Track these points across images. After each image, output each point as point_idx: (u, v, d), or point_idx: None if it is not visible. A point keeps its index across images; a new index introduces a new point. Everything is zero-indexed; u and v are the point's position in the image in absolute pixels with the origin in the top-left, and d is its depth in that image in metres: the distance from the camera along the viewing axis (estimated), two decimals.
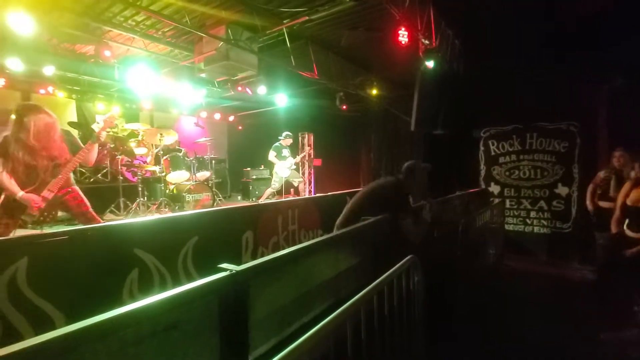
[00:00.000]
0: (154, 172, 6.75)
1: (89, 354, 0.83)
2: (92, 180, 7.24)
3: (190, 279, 2.29)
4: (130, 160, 7.22)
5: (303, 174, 9.63)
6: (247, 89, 7.90)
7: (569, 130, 5.35)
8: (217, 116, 11.02)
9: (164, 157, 6.62)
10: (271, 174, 7.92)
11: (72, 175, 2.92)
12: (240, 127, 12.17)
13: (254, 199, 8.83)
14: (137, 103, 9.31)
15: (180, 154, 6.81)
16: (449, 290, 2.78)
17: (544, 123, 5.53)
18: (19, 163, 2.56)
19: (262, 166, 9.46)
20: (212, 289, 1.11)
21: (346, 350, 1.26)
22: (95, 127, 7.98)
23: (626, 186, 3.20)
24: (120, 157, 6.71)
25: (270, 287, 1.40)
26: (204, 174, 7.15)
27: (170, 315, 1.00)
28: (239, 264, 1.24)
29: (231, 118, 11.78)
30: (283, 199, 5.95)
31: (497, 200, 5.53)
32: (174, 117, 10.75)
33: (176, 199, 6.30)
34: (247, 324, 1.20)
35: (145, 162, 7.28)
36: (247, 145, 11.27)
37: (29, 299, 1.60)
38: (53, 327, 1.67)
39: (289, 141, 7.54)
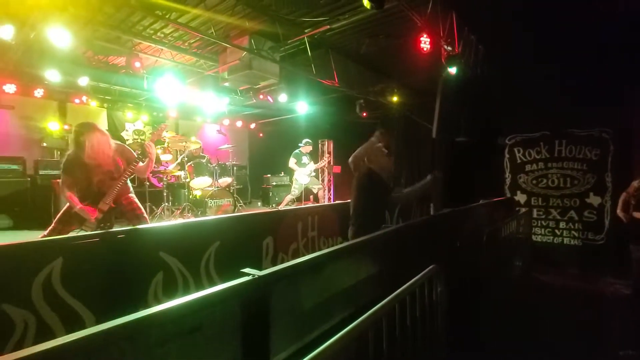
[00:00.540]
0: (178, 177, 6.95)
1: (117, 353, 0.86)
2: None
3: (212, 283, 2.33)
4: (156, 166, 7.48)
5: (322, 181, 9.65)
6: (269, 97, 8.05)
7: (601, 137, 5.10)
8: (239, 124, 11.26)
9: (188, 164, 6.81)
10: (291, 181, 7.98)
11: (129, 183, 3.04)
12: (261, 135, 12.38)
13: (273, 205, 8.91)
14: (164, 111, 9.68)
15: (204, 161, 6.98)
16: (473, 301, 2.69)
17: (574, 129, 5.31)
18: (77, 179, 2.74)
19: (282, 173, 9.55)
20: (235, 293, 1.13)
21: (368, 359, 1.24)
22: (125, 135, 8.28)
23: None
24: None
25: (291, 293, 1.40)
26: (225, 180, 7.29)
27: (195, 317, 1.03)
28: (259, 269, 1.25)
29: (252, 125, 12.00)
30: (302, 206, 5.98)
31: (523, 210, 5.33)
32: (198, 124, 11.08)
33: (199, 204, 6.44)
34: (268, 329, 1.21)
35: (169, 168, 7.51)
36: (267, 152, 11.44)
37: (62, 298, 1.68)
38: (83, 326, 1.74)
39: (309, 148, 7.59)
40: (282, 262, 1.78)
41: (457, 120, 5.73)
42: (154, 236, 2.12)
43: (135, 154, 3.08)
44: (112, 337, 0.84)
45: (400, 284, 1.57)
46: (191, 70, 7.13)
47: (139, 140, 7.67)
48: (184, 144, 7.01)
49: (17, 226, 6.21)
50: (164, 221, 5.97)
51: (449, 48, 4.64)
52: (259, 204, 9.97)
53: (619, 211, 3.95)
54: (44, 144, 7.64)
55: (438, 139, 6.19)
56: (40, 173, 6.73)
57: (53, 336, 1.74)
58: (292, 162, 7.39)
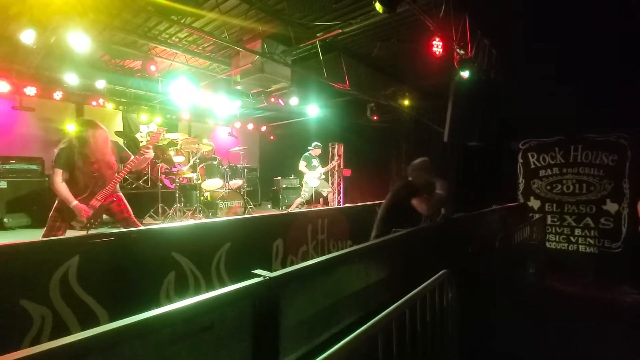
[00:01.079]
0: (190, 179, 7.06)
1: (129, 351, 0.87)
2: (134, 186, 7.69)
3: (222, 284, 2.36)
4: (169, 168, 7.60)
5: (332, 184, 9.65)
6: (280, 100, 8.11)
7: (619, 143, 4.97)
8: (250, 126, 11.37)
9: (200, 165, 6.91)
10: (301, 184, 8.00)
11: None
12: (272, 137, 12.47)
13: (283, 207, 8.95)
14: (177, 114, 9.85)
15: (215, 163, 7.07)
16: (485, 308, 2.65)
17: (590, 134, 5.19)
18: (75, 174, 2.78)
19: (292, 175, 9.59)
20: (247, 293, 1.14)
21: None
22: (140, 137, 8.43)
23: None
24: (160, 164, 7.08)
25: (301, 295, 1.41)
26: (236, 182, 7.36)
27: (206, 317, 1.04)
28: (269, 271, 1.26)
29: (263, 128, 12.10)
30: (312, 209, 5.99)
31: (537, 216, 5.22)
32: (210, 127, 11.23)
33: (210, 206, 6.52)
34: (278, 330, 1.22)
35: (182, 169, 7.63)
36: (278, 154, 11.51)
37: (77, 295, 1.72)
38: (97, 323, 1.78)
39: (318, 151, 7.61)
40: (291, 265, 1.79)
41: (469, 124, 5.67)
42: (167, 236, 2.15)
43: (130, 153, 3.15)
44: (124, 334, 0.85)
45: (410, 288, 1.56)
46: (204, 73, 7.25)
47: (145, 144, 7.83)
48: (196, 145, 7.13)
49: (34, 224, 6.38)
50: (176, 222, 6.06)
51: (462, 52, 4.61)
52: (269, 206, 10.03)
53: None
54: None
55: (449, 143, 6.14)
56: None
57: (68, 332, 1.78)
58: (302, 165, 7.42)
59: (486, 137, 5.82)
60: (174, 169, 7.25)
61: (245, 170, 8.28)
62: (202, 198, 6.87)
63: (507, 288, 3.06)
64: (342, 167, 9.60)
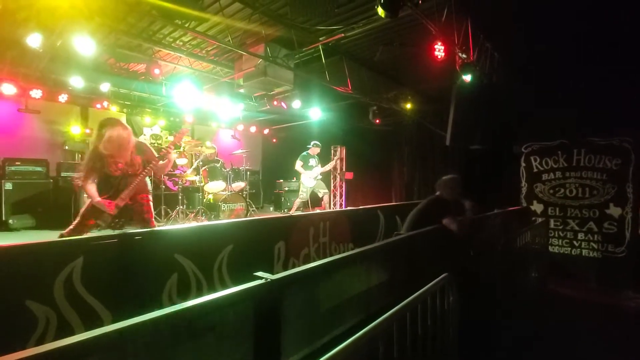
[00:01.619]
0: (193, 181, 7.09)
1: (132, 351, 0.88)
2: None
3: (225, 285, 2.37)
4: (172, 170, 7.65)
5: (334, 187, 9.65)
6: (283, 103, 8.15)
7: (622, 147, 4.95)
8: (253, 129, 11.42)
9: (203, 168, 6.94)
10: None
11: (149, 183, 3.11)
12: (274, 140, 12.51)
13: (285, 210, 8.96)
14: (180, 116, 9.91)
15: (218, 165, 7.10)
16: (487, 312, 2.64)
17: (594, 138, 5.17)
18: (97, 172, 2.82)
19: (295, 178, 9.60)
20: (249, 295, 1.15)
21: None
22: (143, 139, 8.49)
23: None
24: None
25: (302, 297, 1.42)
26: (239, 185, 7.39)
27: (209, 318, 1.05)
28: (271, 273, 1.27)
29: (266, 131, 12.15)
30: (314, 212, 6.00)
31: (540, 220, 5.20)
32: (213, 129, 11.28)
33: (212, 208, 6.54)
34: (280, 332, 1.23)
35: (185, 172, 7.67)
36: (280, 157, 11.54)
37: (81, 296, 1.74)
38: (100, 323, 1.79)
39: (317, 150, 7.57)
40: (293, 267, 1.80)
41: (471, 128, 5.67)
42: (169, 238, 2.17)
43: (154, 154, 3.14)
44: (127, 335, 0.86)
45: (411, 291, 1.56)
46: (208, 76, 7.30)
47: (155, 144, 7.87)
48: (199, 148, 7.17)
49: (39, 226, 6.43)
50: (179, 224, 6.08)
51: (464, 55, 4.62)
52: (271, 208, 10.05)
53: None
54: (66, 147, 7.93)
55: (451, 147, 6.14)
56: (62, 175, 6.98)
57: (72, 332, 1.80)
58: (298, 164, 7.39)
59: (488, 141, 5.82)
60: (177, 172, 7.29)
61: (248, 172, 8.31)
62: (204, 200, 6.90)
63: (508, 291, 3.06)
64: (344, 169, 9.62)
